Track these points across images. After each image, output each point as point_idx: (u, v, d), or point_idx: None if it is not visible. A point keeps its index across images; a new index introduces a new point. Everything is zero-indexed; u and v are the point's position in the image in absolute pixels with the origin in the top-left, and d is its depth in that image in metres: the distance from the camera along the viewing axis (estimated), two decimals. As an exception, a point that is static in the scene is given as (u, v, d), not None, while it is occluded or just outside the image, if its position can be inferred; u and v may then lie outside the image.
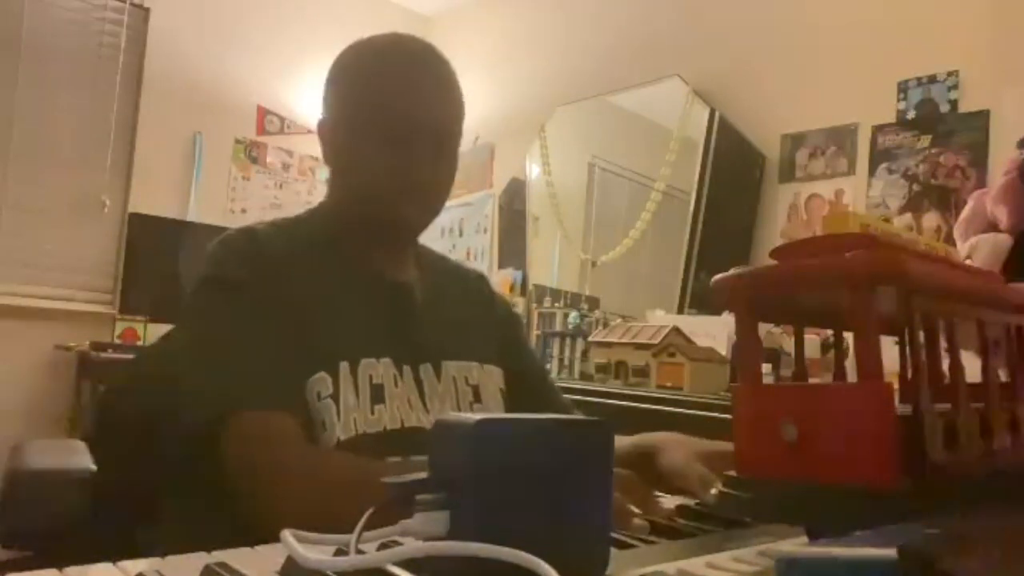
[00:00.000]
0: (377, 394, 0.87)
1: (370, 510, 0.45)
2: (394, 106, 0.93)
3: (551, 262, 3.75)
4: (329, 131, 0.99)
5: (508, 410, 1.01)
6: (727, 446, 0.87)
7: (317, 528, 0.48)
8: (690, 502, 0.74)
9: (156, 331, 3.25)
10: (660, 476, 0.83)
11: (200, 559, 0.48)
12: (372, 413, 0.86)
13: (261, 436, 0.79)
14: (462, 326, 1.03)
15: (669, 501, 0.75)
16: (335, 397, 0.84)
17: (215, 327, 0.87)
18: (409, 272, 1.03)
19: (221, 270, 0.89)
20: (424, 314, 0.99)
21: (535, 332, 3.39)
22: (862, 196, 2.71)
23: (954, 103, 2.53)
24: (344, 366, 0.86)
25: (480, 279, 1.17)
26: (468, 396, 0.97)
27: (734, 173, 3.00)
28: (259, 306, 0.86)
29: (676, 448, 0.85)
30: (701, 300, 2.82)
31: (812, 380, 0.62)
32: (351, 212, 0.98)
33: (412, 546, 0.42)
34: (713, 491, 0.74)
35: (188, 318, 0.92)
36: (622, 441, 0.90)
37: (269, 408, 0.80)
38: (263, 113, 4.06)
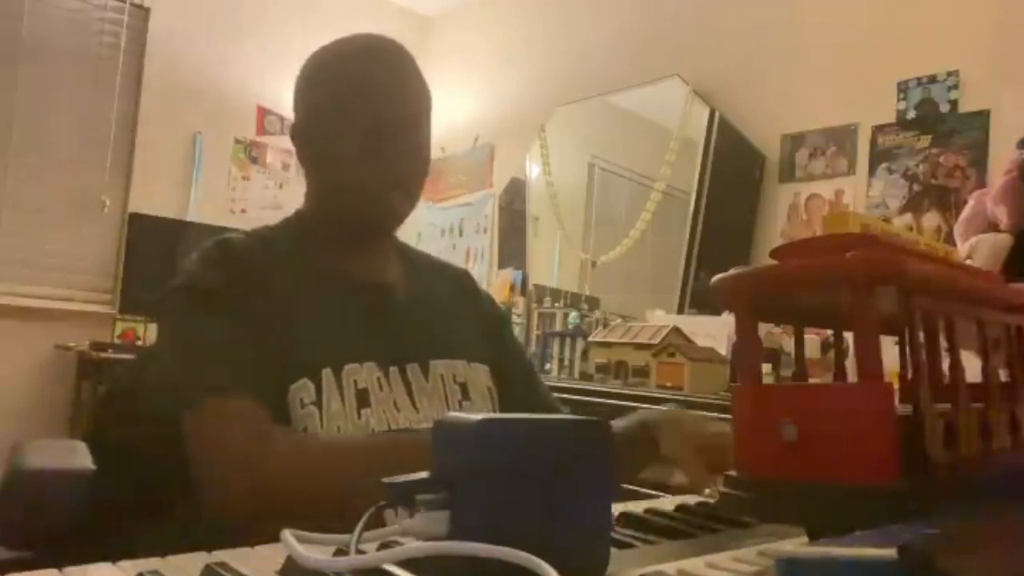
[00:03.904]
0: (362, 398, 0.87)
1: (371, 509, 0.45)
2: (372, 98, 0.94)
3: (551, 262, 3.75)
4: (305, 132, 1.00)
5: (498, 406, 1.01)
6: (726, 430, 0.89)
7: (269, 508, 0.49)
8: (690, 501, 0.74)
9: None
10: (660, 458, 0.87)
11: (200, 559, 0.48)
12: (359, 418, 0.86)
13: (216, 420, 0.80)
14: (448, 324, 1.03)
15: (669, 503, 0.75)
16: (318, 404, 0.84)
17: (183, 329, 0.89)
18: (391, 272, 1.03)
19: (193, 279, 0.90)
20: (408, 314, 0.99)
21: (535, 332, 3.39)
22: (862, 196, 2.71)
23: (954, 103, 2.53)
24: (327, 372, 0.86)
25: (465, 275, 1.17)
26: (456, 394, 0.97)
27: (734, 173, 3.00)
28: (230, 310, 0.86)
29: (677, 433, 0.89)
30: (701, 300, 2.82)
31: (812, 380, 0.62)
32: (332, 211, 0.99)
33: (412, 546, 0.42)
34: (707, 491, 0.76)
35: (160, 324, 0.95)
36: (627, 418, 0.94)
37: (226, 396, 0.81)
38: (263, 113, 4.07)
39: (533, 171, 3.80)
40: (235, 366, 0.83)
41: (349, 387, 0.87)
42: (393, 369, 0.92)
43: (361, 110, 0.94)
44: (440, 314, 1.04)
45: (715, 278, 0.54)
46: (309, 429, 0.83)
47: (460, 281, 1.15)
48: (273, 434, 0.80)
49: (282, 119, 4.13)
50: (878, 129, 2.69)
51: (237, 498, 0.76)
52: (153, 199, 3.72)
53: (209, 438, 0.80)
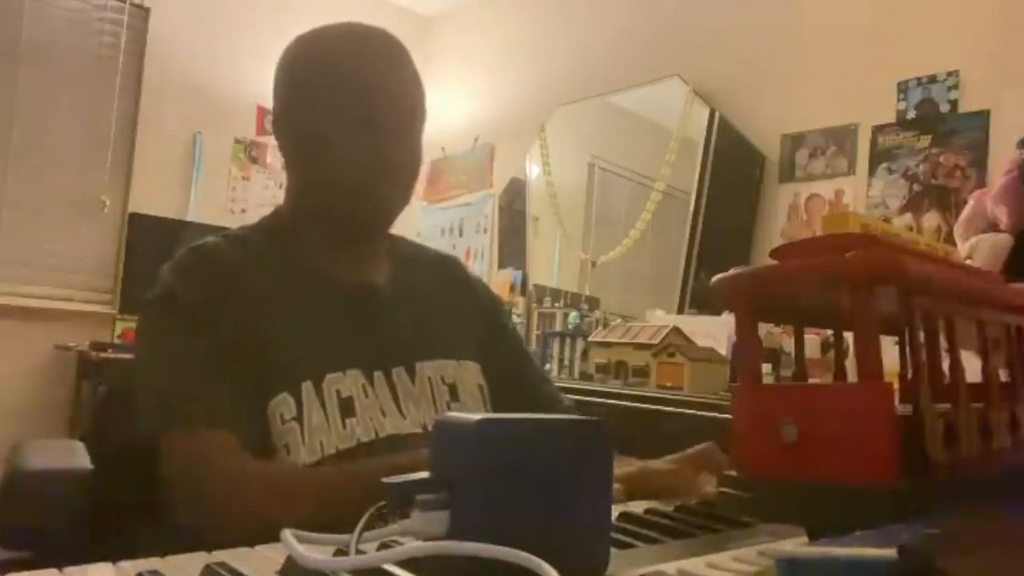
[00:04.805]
0: (347, 408, 0.85)
1: (371, 509, 0.45)
2: (362, 83, 0.90)
3: (551, 262, 3.75)
4: (289, 121, 0.95)
5: (489, 404, 0.99)
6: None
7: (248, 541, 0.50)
8: (690, 501, 0.74)
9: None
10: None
11: (200, 559, 0.48)
12: (344, 428, 0.84)
13: (192, 456, 0.79)
14: (437, 321, 1.00)
15: (669, 503, 0.75)
16: (299, 419, 0.82)
17: (159, 348, 0.87)
18: (377, 270, 0.99)
19: (169, 290, 0.87)
20: (394, 315, 0.96)
21: (535, 332, 3.39)
22: (862, 196, 2.71)
23: (954, 103, 2.53)
24: (307, 386, 0.83)
25: (455, 263, 1.14)
26: (444, 396, 0.94)
27: (734, 173, 3.00)
28: (207, 325, 0.84)
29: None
30: (701, 300, 2.82)
31: (812, 380, 0.62)
32: (321, 209, 0.95)
33: (412, 546, 0.42)
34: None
35: (138, 338, 0.92)
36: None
37: (201, 429, 0.80)
38: (263, 113, 4.06)
39: (533, 171, 3.80)
40: (209, 393, 0.81)
41: (331, 398, 0.84)
42: (378, 374, 0.89)
43: (355, 105, 0.90)
44: (429, 311, 1.00)
45: (715, 278, 0.54)
46: (290, 445, 0.81)
47: (451, 271, 1.11)
48: (241, 470, 0.78)
49: (282, 119, 4.13)
50: (878, 129, 2.69)
51: (205, 527, 0.74)
52: (153, 199, 3.72)
53: (178, 470, 0.79)
